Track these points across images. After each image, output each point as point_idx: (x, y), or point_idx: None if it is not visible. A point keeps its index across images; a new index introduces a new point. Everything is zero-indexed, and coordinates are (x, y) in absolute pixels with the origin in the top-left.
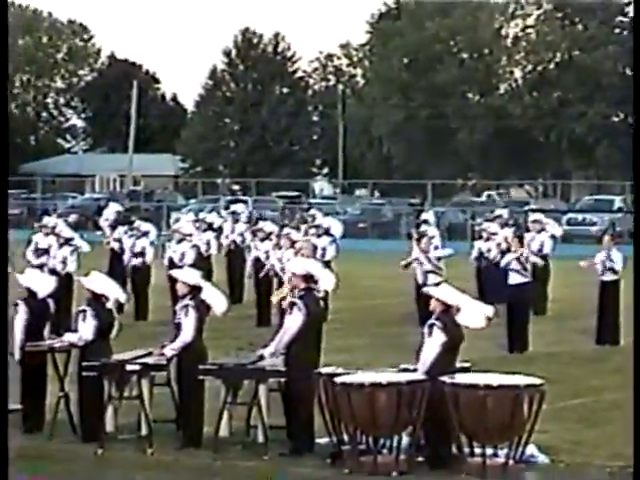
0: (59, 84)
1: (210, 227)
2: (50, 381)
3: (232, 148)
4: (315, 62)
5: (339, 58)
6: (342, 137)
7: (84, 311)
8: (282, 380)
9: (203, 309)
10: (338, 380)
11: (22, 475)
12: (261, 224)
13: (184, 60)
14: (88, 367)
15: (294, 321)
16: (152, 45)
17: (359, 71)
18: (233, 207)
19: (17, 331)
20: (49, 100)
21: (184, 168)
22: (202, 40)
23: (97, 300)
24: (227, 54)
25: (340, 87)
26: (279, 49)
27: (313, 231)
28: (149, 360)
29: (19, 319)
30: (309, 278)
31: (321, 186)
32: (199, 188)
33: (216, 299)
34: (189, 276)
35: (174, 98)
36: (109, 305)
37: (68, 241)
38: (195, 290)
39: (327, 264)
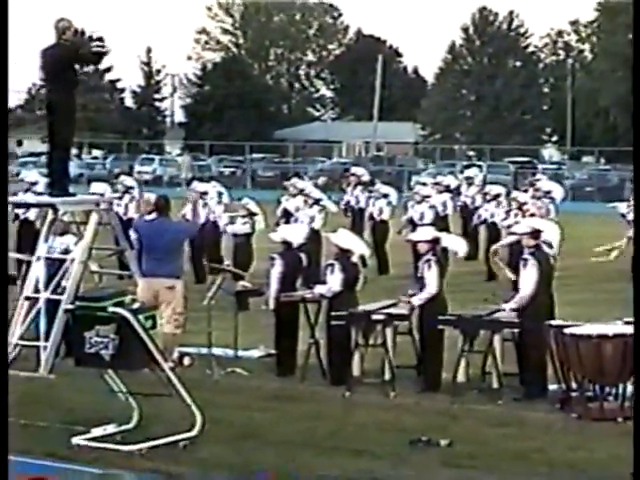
0: (310, 57)
1: (447, 189)
2: (301, 329)
3: (468, 117)
4: (546, 38)
5: (569, 34)
6: (571, 107)
7: (332, 265)
8: (516, 331)
9: (443, 262)
10: (567, 331)
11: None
12: (489, 187)
13: (425, 36)
14: (336, 316)
15: (528, 276)
16: (396, 22)
17: (587, 46)
18: (467, 172)
19: (273, 282)
20: (301, 72)
21: (424, 135)
22: (441, 17)
23: (343, 255)
24: (465, 30)
25: (569, 61)
26: (513, 26)
27: (539, 194)
28: (393, 310)
29: (275, 271)
30: (537, 234)
31: (550, 153)
32: (437, 154)
33: (456, 243)
34: (426, 234)
35: (415, 71)
36: (354, 259)
37: (317, 201)
38: (434, 244)
39: None
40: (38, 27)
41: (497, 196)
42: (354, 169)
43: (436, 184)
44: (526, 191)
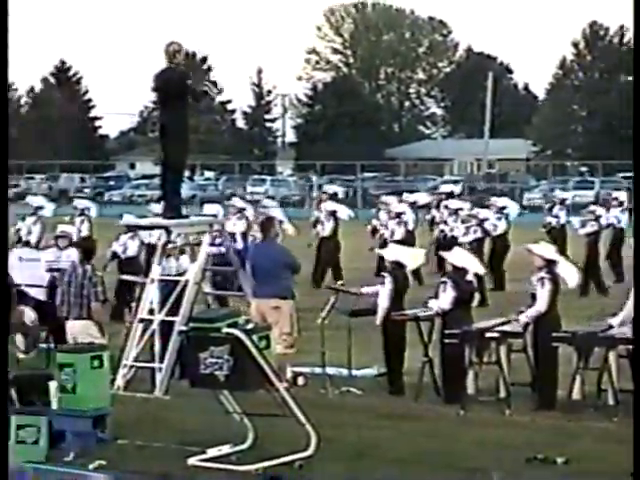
0: (420, 75)
1: (412, 205)
2: (413, 347)
3: (580, 132)
4: None
5: None
6: None
7: (445, 282)
8: (630, 347)
9: (558, 281)
10: None
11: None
12: (450, 201)
13: (535, 52)
14: (450, 334)
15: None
16: (506, 38)
17: None
18: (442, 187)
19: (383, 300)
20: (411, 90)
21: (535, 151)
22: (552, 33)
23: (457, 272)
24: (576, 45)
25: None
26: (624, 40)
27: (493, 210)
28: (507, 328)
29: (385, 289)
30: (548, 263)
31: None
32: (549, 170)
33: (569, 273)
34: (545, 250)
35: (526, 87)
36: (469, 277)
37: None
38: (551, 263)
39: None
40: (150, 51)
41: (458, 210)
42: (326, 187)
43: (401, 201)
44: (489, 207)
